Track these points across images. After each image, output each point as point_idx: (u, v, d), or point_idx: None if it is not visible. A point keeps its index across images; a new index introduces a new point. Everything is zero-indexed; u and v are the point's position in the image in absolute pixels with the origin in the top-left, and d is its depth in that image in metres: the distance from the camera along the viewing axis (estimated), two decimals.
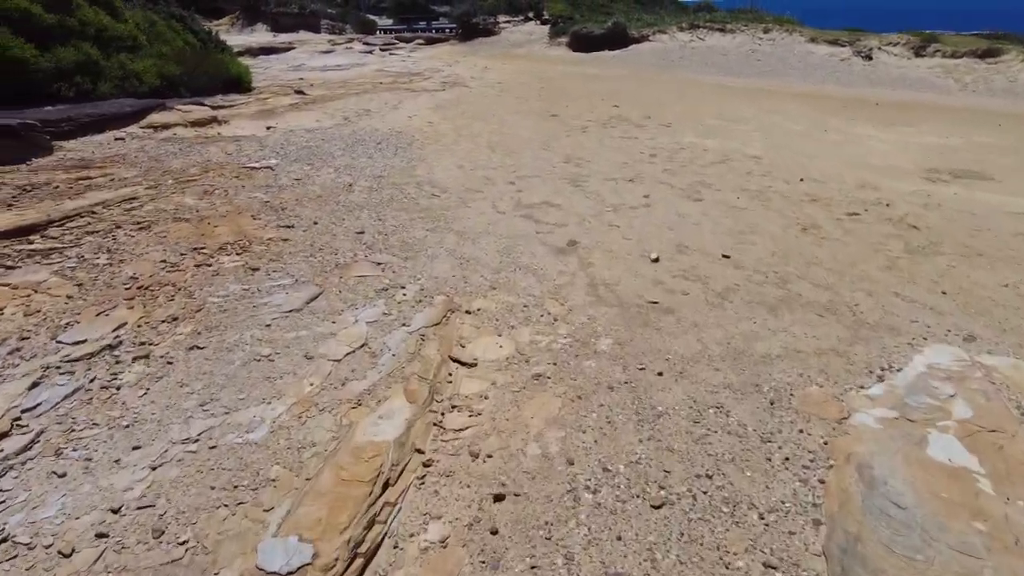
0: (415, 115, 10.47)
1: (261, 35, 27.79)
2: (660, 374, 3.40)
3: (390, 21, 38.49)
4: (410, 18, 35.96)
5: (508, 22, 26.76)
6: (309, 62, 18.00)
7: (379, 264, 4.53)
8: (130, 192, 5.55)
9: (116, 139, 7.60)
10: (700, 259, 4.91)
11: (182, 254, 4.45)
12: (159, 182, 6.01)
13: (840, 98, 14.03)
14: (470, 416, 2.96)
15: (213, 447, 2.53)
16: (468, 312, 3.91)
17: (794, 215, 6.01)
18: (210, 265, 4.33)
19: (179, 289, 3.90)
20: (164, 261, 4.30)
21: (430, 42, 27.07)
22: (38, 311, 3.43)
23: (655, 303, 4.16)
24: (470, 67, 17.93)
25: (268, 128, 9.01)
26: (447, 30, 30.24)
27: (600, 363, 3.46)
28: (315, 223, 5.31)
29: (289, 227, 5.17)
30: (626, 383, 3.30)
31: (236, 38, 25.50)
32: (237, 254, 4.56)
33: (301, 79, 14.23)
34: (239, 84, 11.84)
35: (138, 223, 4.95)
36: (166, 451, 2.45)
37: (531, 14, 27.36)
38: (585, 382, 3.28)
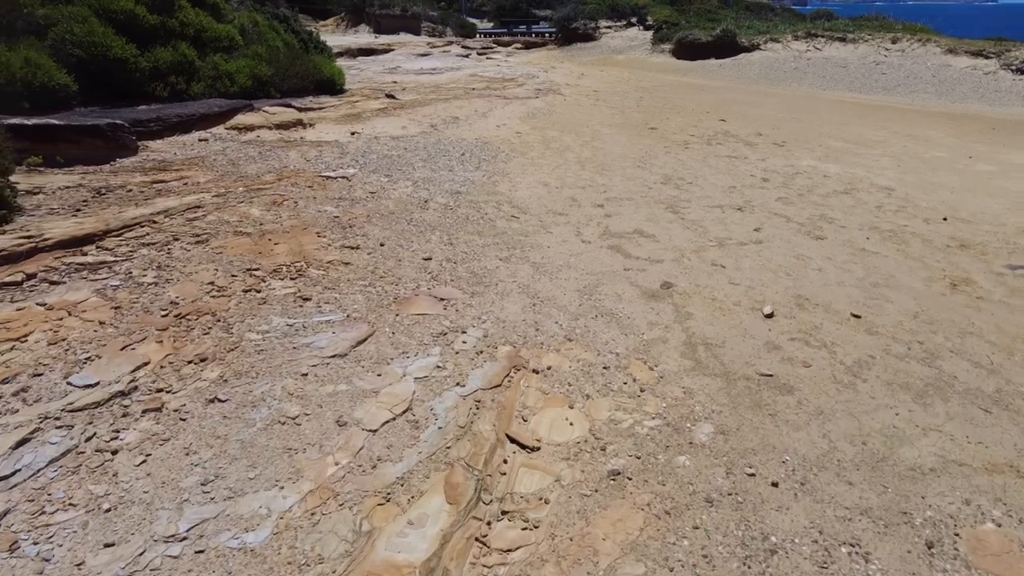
0: (504, 124, 9.95)
1: (363, 36, 28.48)
2: (775, 484, 2.61)
3: (490, 24, 38.59)
4: (510, 21, 35.83)
5: (609, 27, 25.90)
6: (405, 65, 18.02)
7: (442, 300, 3.96)
8: (196, 200, 5.32)
9: (200, 140, 7.55)
10: (824, 317, 4.00)
11: (233, 275, 4.08)
12: (229, 189, 5.77)
13: (987, 119, 12.20)
14: (524, 529, 2.30)
15: (200, 551, 2.02)
16: (536, 371, 3.25)
17: (939, 265, 4.92)
18: (259, 291, 3.92)
19: (218, 320, 3.50)
20: (212, 283, 3.94)
21: (528, 46, 26.69)
22: (63, 339, 3.10)
23: (769, 376, 3.33)
24: (566, 73, 17.29)
25: (352, 134, 8.77)
26: (546, 34, 29.78)
27: (697, 460, 2.71)
28: (381, 244, 4.84)
29: (353, 248, 4.73)
30: (730, 495, 2.53)
31: (339, 39, 26.24)
32: (292, 278, 4.14)
33: (394, 82, 14.12)
34: (331, 86, 11.80)
35: (197, 236, 4.66)
36: (142, 553, 1.97)
37: (634, 19, 26.35)
38: (677, 489, 2.54)
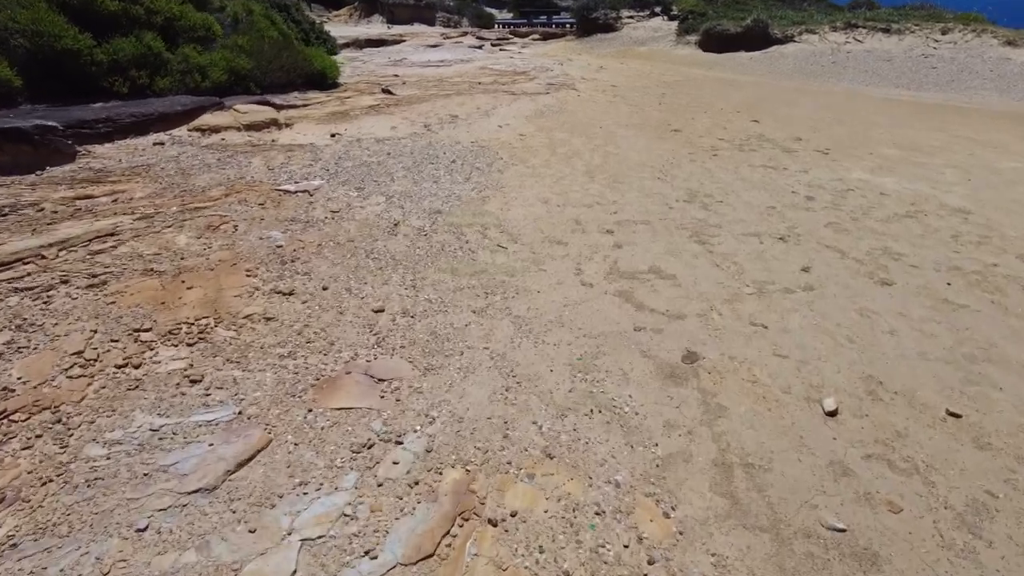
0: (507, 124, 8.84)
1: (375, 27, 27.48)
2: None
3: (510, 15, 37.37)
4: (530, 12, 34.59)
5: (631, 17, 24.54)
6: (412, 56, 16.96)
7: (380, 382, 2.92)
8: (112, 225, 4.33)
9: (156, 144, 6.58)
10: (909, 415, 2.88)
11: (113, 340, 3.08)
12: (160, 209, 4.78)
13: None
14: None
15: None
16: (493, 523, 2.19)
17: None
18: (138, 366, 2.91)
19: (57, 421, 2.49)
20: (79, 354, 2.94)
21: (546, 38, 25.47)
22: None
23: (841, 531, 2.24)
24: (583, 66, 16.07)
25: (333, 135, 7.74)
26: (567, 25, 28.49)
27: None
28: (324, 288, 3.81)
29: (286, 294, 3.70)
30: None
31: (349, 30, 25.28)
32: (189, 344, 3.12)
33: (396, 76, 13.08)
34: (322, 80, 10.80)
35: (93, 276, 3.67)
36: None
37: (658, 9, 24.94)
38: None
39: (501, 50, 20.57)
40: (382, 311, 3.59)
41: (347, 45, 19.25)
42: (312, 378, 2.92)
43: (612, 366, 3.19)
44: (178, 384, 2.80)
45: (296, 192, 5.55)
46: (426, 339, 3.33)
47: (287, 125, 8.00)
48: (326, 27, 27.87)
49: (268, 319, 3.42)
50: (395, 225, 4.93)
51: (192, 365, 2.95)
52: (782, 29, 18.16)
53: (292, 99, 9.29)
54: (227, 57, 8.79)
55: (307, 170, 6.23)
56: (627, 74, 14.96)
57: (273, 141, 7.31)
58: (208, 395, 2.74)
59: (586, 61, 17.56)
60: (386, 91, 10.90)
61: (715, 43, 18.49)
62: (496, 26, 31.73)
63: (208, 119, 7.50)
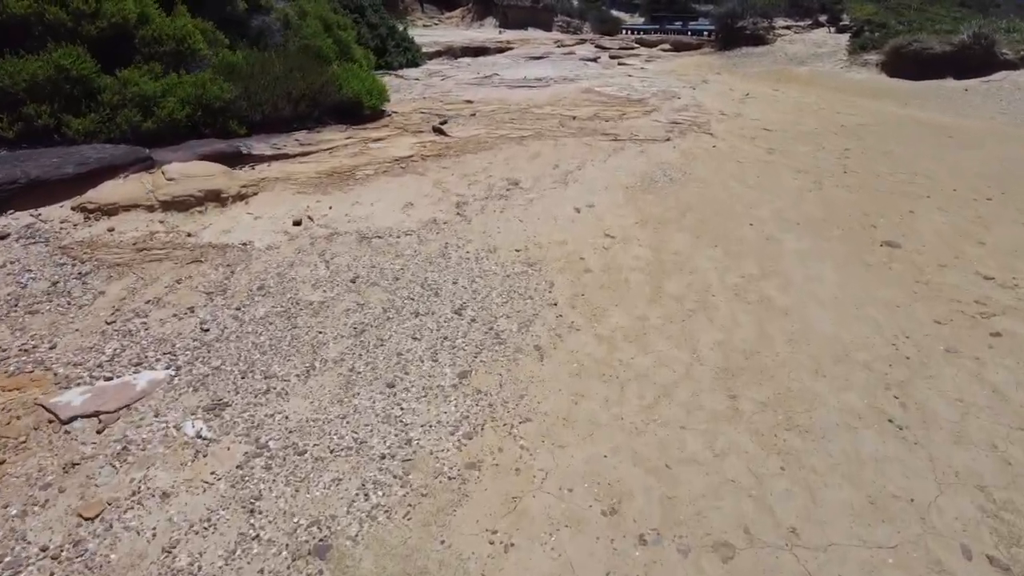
0: (590, 207, 5.45)
1: (485, 31, 24.83)
2: None
3: (641, 20, 33.43)
4: (662, 17, 30.51)
5: (788, 28, 19.94)
6: (505, 72, 13.88)
7: None
8: None
9: None
10: None
11: None
12: None
13: None
14: None
15: None
16: None
17: None
18: None
19: None
20: None
21: (678, 48, 21.48)
22: None
23: None
24: (722, 93, 12.18)
25: (296, 223, 4.78)
26: (704, 33, 24.25)
27: None
28: None
29: None
30: None
31: (455, 33, 22.79)
32: None
33: (469, 102, 10.03)
34: (357, 109, 7.96)
35: None
36: None
37: (822, 18, 20.12)
38: None
39: (620, 64, 17.00)
40: None
41: (438, 54, 16.60)
42: None
43: None
44: None
45: (72, 423, 2.55)
46: None
47: (240, 198, 5.12)
48: (435, 30, 25.67)
49: None
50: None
51: None
52: (1015, 48, 13.09)
53: (286, 144, 6.46)
54: (197, 83, 6.09)
55: (170, 330, 3.26)
56: (784, 108, 10.89)
57: (188, 236, 4.44)
58: None
59: (727, 85, 13.58)
60: (438, 129, 7.85)
61: (908, 66, 13.77)
62: (622, 31, 28.05)
63: (108, 190, 4.78)
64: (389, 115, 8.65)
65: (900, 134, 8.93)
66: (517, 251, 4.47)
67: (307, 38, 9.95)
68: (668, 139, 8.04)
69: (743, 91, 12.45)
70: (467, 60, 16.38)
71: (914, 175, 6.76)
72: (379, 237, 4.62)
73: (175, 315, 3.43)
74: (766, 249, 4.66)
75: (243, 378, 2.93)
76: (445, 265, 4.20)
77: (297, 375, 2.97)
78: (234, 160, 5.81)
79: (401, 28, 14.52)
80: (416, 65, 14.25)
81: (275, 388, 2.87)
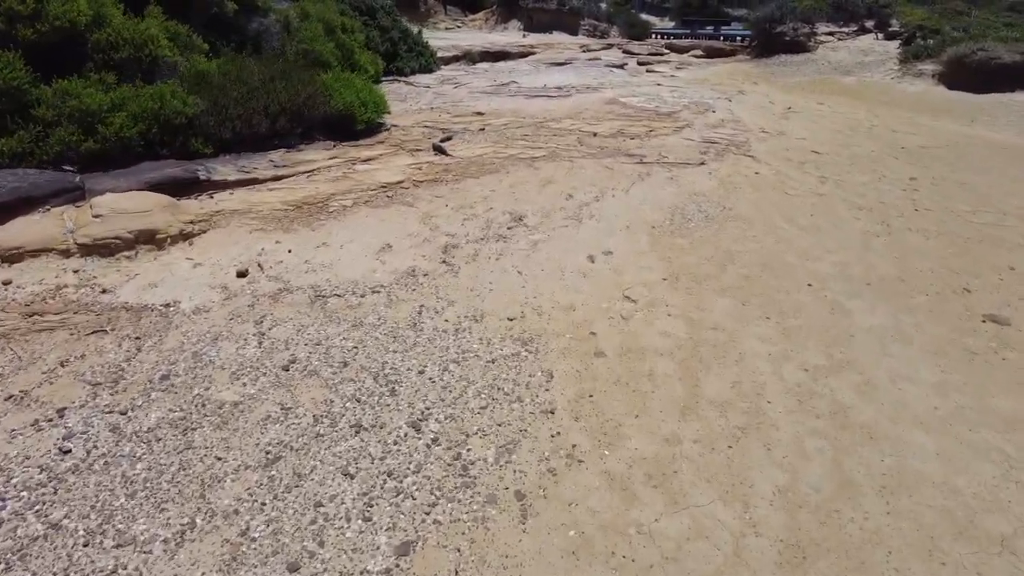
0: (608, 253, 4.46)
1: (509, 34, 23.92)
2: None
3: (671, 24, 32.20)
4: (694, 21, 29.27)
5: (830, 33, 18.62)
6: (524, 79, 12.92)
7: None
8: None
9: None
10: None
11: None
12: None
13: None
14: None
15: None
16: None
17: None
18: None
19: None
20: None
21: (710, 55, 20.29)
22: None
23: None
24: (762, 107, 11.05)
25: (241, 276, 3.86)
26: (737, 38, 23.00)
27: None
28: None
29: None
30: None
31: (477, 37, 21.92)
32: None
33: (479, 113, 9.09)
34: (349, 122, 7.07)
35: None
36: None
37: (869, 23, 18.77)
38: None
39: (648, 71, 15.91)
40: None
41: (455, 59, 15.71)
42: None
43: None
44: None
45: None
46: None
47: (184, 237, 4.25)
48: (457, 33, 24.82)
49: None
50: None
51: None
52: None
53: (258, 166, 5.58)
54: (155, 95, 5.23)
55: (16, 450, 2.40)
56: (833, 125, 9.73)
57: (103, 293, 3.57)
58: None
59: (766, 97, 12.43)
60: (439, 148, 6.92)
61: (970, 77, 12.46)
62: (652, 36, 26.90)
63: (17, 230, 3.94)
64: (387, 129, 7.75)
65: (973, 159, 7.73)
66: (510, 320, 3.49)
67: (305, 42, 9.11)
68: (702, 163, 6.99)
69: (784, 104, 11.29)
70: (485, 66, 15.45)
71: (1003, 215, 5.62)
72: (338, 295, 3.69)
73: (35, 423, 2.53)
74: (832, 325, 3.61)
75: (86, 545, 2.00)
76: (414, 341, 3.24)
77: (165, 541, 2.03)
78: (189, 188, 4.94)
79: (415, 31, 13.65)
80: (429, 71, 13.37)
81: (126, 567, 1.93)
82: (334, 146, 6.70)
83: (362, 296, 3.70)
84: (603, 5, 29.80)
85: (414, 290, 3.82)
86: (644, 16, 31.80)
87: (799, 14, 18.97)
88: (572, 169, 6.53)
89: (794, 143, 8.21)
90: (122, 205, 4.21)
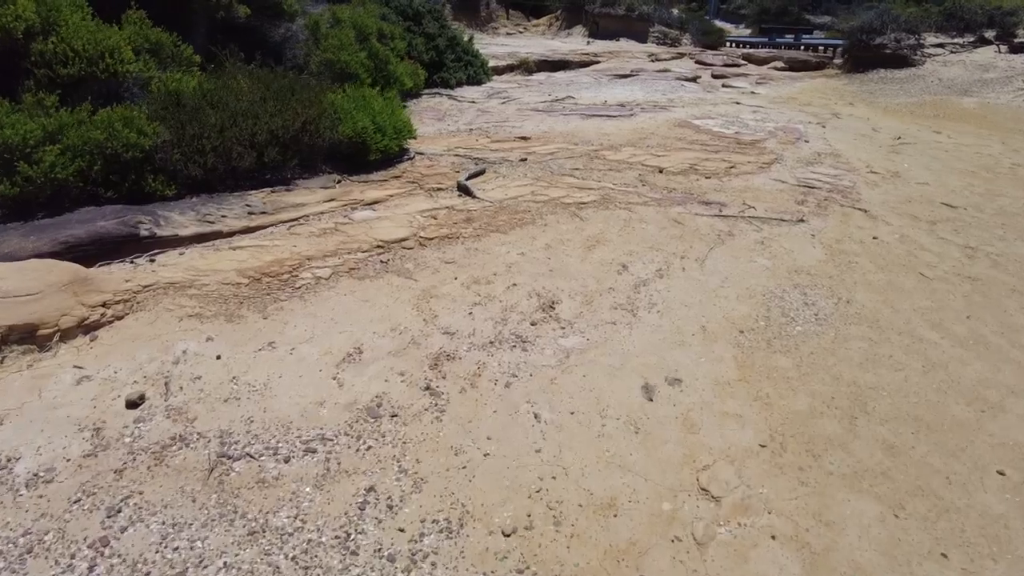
0: (672, 390, 3.02)
1: (573, 41, 22.50)
2: None
3: (747, 32, 29.95)
4: (772, 29, 27.03)
5: (940, 45, 16.26)
6: (583, 92, 11.50)
7: None
8: None
9: None
10: None
11: None
12: None
13: None
14: None
15: None
16: None
17: None
18: None
19: None
20: None
21: (793, 67, 18.21)
22: None
23: None
24: (864, 135, 9.23)
25: (132, 407, 2.63)
26: (822, 48, 20.77)
27: None
28: None
29: None
30: None
31: (535, 43, 20.61)
32: None
33: (525, 138, 7.76)
34: (362, 151, 5.88)
35: None
36: None
37: (989, 33, 16.28)
38: None
39: (724, 86, 14.16)
40: None
41: (510, 68, 14.43)
42: None
43: None
44: None
45: None
46: None
47: (86, 329, 3.13)
48: (518, 39, 23.58)
49: None
50: None
51: None
52: None
53: (229, 213, 4.42)
54: (103, 123, 4.14)
55: None
56: (961, 163, 7.85)
57: None
58: None
59: (867, 121, 10.54)
60: (463, 188, 5.62)
61: None
62: (727, 44, 24.87)
63: None
64: (410, 158, 6.51)
65: None
66: (507, 536, 2.12)
67: (330, 51, 8.01)
68: (801, 218, 5.40)
69: (892, 132, 9.41)
70: (541, 76, 14.10)
71: None
72: (252, 456, 2.41)
73: None
74: None
75: None
76: None
77: None
78: (124, 248, 3.81)
79: (466, 39, 12.44)
80: (478, 82, 12.13)
81: None
82: (337, 182, 5.50)
83: (286, 461, 2.41)
84: (675, 11, 27.93)
85: (369, 449, 2.50)
86: (718, 23, 29.69)
87: (903, 23, 16.68)
88: (629, 222, 5.09)
89: (915, 190, 6.47)
90: (3, 284, 3.07)
